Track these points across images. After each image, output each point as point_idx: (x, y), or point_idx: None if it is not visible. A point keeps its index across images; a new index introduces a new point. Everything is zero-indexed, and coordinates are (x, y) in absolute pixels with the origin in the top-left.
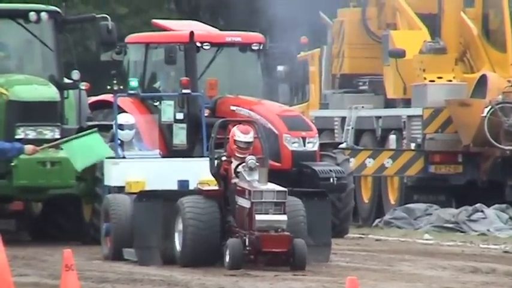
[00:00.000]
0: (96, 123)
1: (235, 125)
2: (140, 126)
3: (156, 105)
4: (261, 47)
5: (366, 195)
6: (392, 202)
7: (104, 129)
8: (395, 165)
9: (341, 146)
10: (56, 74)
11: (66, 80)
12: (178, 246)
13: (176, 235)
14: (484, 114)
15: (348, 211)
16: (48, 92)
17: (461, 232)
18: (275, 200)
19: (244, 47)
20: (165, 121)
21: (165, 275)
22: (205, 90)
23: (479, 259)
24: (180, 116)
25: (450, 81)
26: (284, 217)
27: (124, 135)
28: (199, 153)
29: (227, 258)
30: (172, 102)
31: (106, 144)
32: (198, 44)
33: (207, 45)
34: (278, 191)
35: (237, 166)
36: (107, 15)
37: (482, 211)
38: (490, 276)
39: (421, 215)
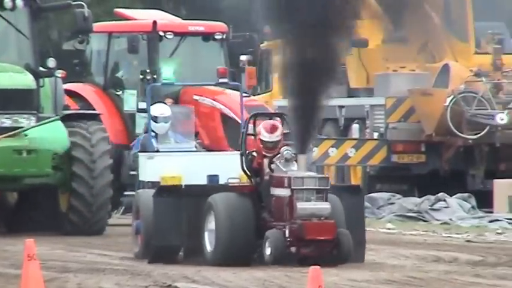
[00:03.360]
0: (73, 111)
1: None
2: (175, 117)
3: (118, 95)
4: (224, 37)
5: None
6: None
7: (79, 118)
8: (358, 155)
9: None
10: (31, 62)
11: (41, 68)
12: (208, 246)
13: (206, 234)
14: (447, 104)
15: None
16: (24, 80)
17: (424, 221)
18: (317, 187)
19: (207, 36)
20: (128, 110)
21: (128, 264)
22: (244, 80)
23: (442, 248)
24: (142, 105)
25: (413, 70)
26: (327, 205)
27: (159, 128)
28: None
29: (267, 252)
30: (135, 92)
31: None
32: (161, 33)
33: (170, 35)
34: (320, 178)
35: (270, 160)
36: (82, 3)
37: (444, 200)
38: (452, 265)
39: (384, 204)
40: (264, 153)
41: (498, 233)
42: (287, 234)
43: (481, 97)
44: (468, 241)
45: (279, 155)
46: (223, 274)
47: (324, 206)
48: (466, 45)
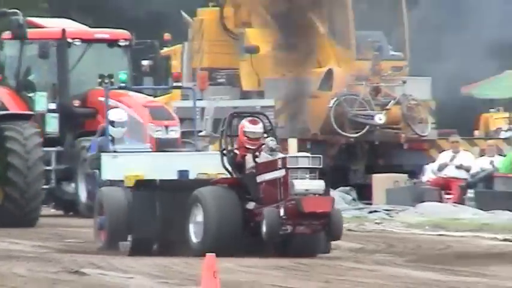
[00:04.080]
0: (7, 112)
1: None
2: (130, 122)
3: (30, 96)
4: (127, 43)
5: None
6: None
7: (12, 118)
8: None
9: (200, 133)
10: None
11: None
12: (194, 237)
13: (191, 226)
14: (330, 105)
15: None
16: None
17: None
18: (310, 166)
19: (112, 43)
20: (39, 111)
21: (39, 252)
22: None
23: None
24: (52, 106)
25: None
26: (322, 182)
27: (116, 132)
28: (70, 140)
29: (264, 228)
30: (45, 94)
31: None
32: (70, 40)
33: (77, 42)
34: (313, 157)
35: (254, 154)
36: (17, 11)
37: None
38: (335, 252)
39: None
40: (247, 146)
41: (376, 223)
42: (282, 213)
43: (362, 99)
44: (349, 230)
45: (263, 145)
46: (127, 261)
47: (319, 183)
48: (348, 52)
